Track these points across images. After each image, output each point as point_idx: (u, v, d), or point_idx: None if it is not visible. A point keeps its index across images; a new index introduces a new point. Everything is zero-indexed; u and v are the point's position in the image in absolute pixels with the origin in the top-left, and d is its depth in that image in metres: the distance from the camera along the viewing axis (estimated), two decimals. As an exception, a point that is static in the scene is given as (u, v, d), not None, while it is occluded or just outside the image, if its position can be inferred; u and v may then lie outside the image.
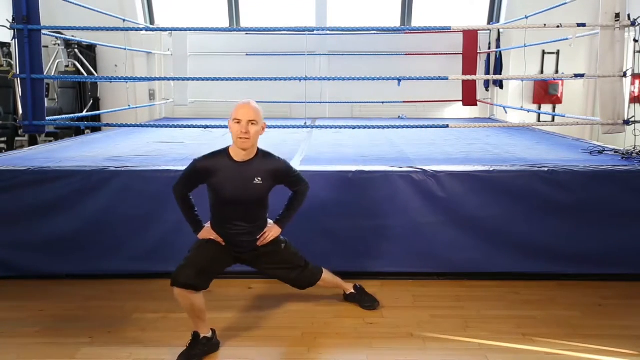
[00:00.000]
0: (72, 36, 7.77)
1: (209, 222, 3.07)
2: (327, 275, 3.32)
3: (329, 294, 3.59)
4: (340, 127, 4.97)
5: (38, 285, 3.77)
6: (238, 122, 2.76)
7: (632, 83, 6.52)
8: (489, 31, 8.21)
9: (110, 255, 3.85)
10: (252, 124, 2.76)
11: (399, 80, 4.65)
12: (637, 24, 4.33)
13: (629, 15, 4.35)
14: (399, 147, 5.10)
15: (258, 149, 2.92)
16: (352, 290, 3.45)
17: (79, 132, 7.55)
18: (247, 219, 2.97)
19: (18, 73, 4.36)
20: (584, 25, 4.67)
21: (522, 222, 3.81)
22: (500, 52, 7.99)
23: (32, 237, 3.84)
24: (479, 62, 8.18)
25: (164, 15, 8.90)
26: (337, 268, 3.71)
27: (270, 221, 3.11)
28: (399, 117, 8.22)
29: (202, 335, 2.85)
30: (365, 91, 7.79)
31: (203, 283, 2.85)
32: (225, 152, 2.90)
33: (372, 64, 8.27)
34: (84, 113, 7.64)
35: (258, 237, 3.03)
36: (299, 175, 3.10)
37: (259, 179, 2.88)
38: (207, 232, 3.01)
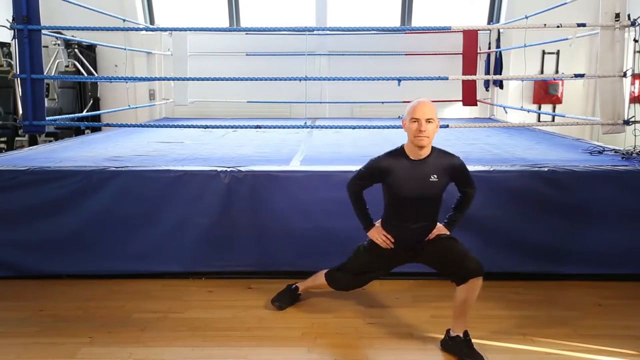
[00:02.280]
0: (72, 36, 7.77)
1: (379, 221, 3.10)
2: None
3: (329, 294, 3.58)
4: (340, 127, 4.97)
5: (38, 285, 3.77)
6: (416, 121, 2.80)
7: (632, 83, 6.51)
8: (489, 31, 8.21)
9: (110, 255, 3.85)
10: (429, 122, 2.79)
11: (399, 80, 4.65)
12: (637, 24, 4.33)
13: (629, 15, 4.35)
14: (399, 147, 5.09)
15: (432, 147, 2.94)
16: (459, 334, 2.85)
17: (79, 132, 7.54)
18: (421, 218, 2.99)
19: (18, 73, 4.36)
20: (584, 25, 4.67)
21: (522, 222, 3.81)
22: (500, 52, 7.99)
23: (32, 237, 3.84)
24: (479, 62, 8.17)
25: (164, 15, 8.90)
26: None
27: (438, 224, 3.08)
28: (399, 117, 8.14)
29: (298, 291, 3.43)
30: (365, 91, 7.79)
31: (354, 287, 3.29)
32: (401, 151, 2.94)
33: (372, 64, 8.27)
34: (84, 113, 7.64)
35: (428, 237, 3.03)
36: (470, 176, 3.07)
37: (435, 176, 2.88)
38: (377, 231, 3.05)
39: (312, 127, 5.44)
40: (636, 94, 6.91)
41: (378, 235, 3.03)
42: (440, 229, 3.05)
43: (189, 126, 5.30)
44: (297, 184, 3.83)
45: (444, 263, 2.98)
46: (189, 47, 8.08)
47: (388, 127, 4.96)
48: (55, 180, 3.83)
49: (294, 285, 3.46)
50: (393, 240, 3.02)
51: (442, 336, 2.96)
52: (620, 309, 3.45)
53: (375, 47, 8.31)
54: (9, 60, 7.30)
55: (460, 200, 3.11)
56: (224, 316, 3.29)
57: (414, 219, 2.97)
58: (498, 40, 8.09)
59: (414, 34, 8.20)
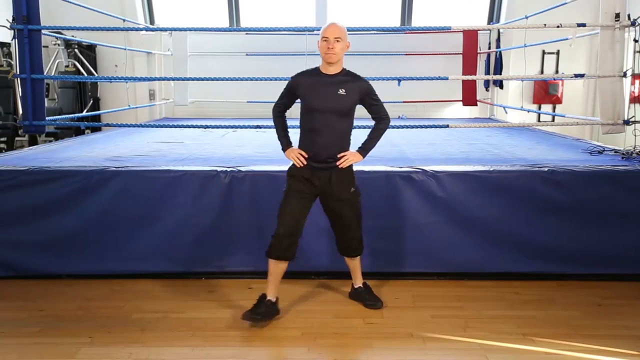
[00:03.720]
0: (72, 36, 7.77)
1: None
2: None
3: (330, 294, 3.59)
4: (340, 127, 4.95)
5: (38, 285, 3.77)
6: (326, 40, 3.06)
7: (632, 83, 6.51)
8: (489, 31, 8.21)
9: (110, 255, 3.85)
10: (338, 40, 3.06)
11: (399, 80, 4.65)
12: (637, 24, 4.34)
13: (629, 15, 4.35)
14: (399, 147, 5.10)
15: (344, 68, 3.19)
16: (360, 285, 3.50)
17: (79, 132, 7.55)
18: (332, 132, 3.15)
19: (18, 73, 4.37)
20: (584, 25, 4.67)
21: (522, 222, 3.81)
22: (500, 52, 7.99)
23: (32, 237, 3.84)
24: (479, 62, 8.17)
25: (164, 15, 8.90)
26: (336, 268, 3.72)
27: (351, 150, 3.24)
28: (399, 117, 8.22)
29: (267, 298, 3.18)
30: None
31: (292, 254, 3.18)
32: (315, 68, 3.23)
33: (372, 64, 8.26)
34: (84, 113, 7.64)
35: (339, 156, 3.16)
36: (381, 104, 3.29)
37: (343, 90, 3.12)
38: (293, 150, 3.23)
39: (312, 127, 5.42)
40: (636, 94, 6.91)
41: (293, 153, 3.21)
42: (353, 153, 3.22)
43: (189, 126, 5.30)
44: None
45: (336, 225, 3.34)
46: (189, 47, 8.09)
47: (388, 127, 4.94)
48: (55, 180, 3.83)
49: (262, 294, 3.22)
50: (307, 157, 3.16)
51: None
52: (620, 309, 3.45)
53: (375, 47, 8.31)
54: (9, 60, 7.30)
55: (373, 129, 3.34)
56: (224, 316, 3.29)
57: (323, 131, 3.14)
58: (498, 40, 8.09)
59: (414, 34, 8.20)
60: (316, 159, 3.16)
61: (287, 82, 3.31)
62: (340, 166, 3.16)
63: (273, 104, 3.41)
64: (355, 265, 3.47)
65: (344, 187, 3.23)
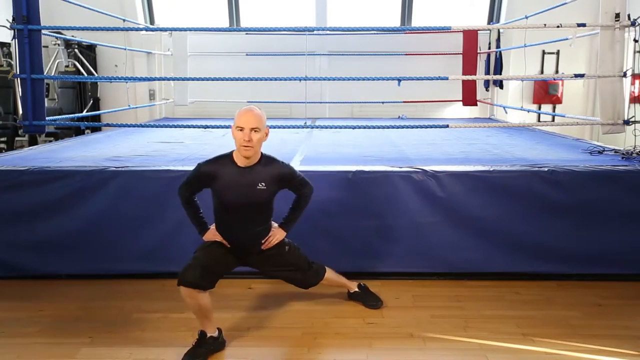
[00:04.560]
0: (72, 36, 7.77)
1: (214, 225, 3.06)
2: (330, 274, 3.35)
3: (330, 293, 3.59)
4: (340, 127, 4.97)
5: (38, 285, 3.77)
6: (241, 130, 2.76)
7: (632, 83, 6.52)
8: (489, 31, 8.21)
9: (110, 255, 3.85)
10: (255, 131, 2.76)
11: (399, 80, 4.64)
12: (637, 24, 4.33)
13: (629, 15, 4.35)
14: (399, 147, 5.10)
15: (262, 153, 2.92)
16: (356, 289, 3.48)
17: (79, 132, 7.54)
18: (250, 224, 2.97)
19: (18, 73, 4.36)
20: (584, 25, 4.67)
21: (522, 222, 3.81)
22: (500, 52, 7.99)
23: (32, 237, 3.84)
24: (479, 62, 8.17)
25: (164, 15, 8.90)
26: (337, 268, 3.71)
27: (274, 224, 3.11)
28: (399, 117, 8.22)
29: (208, 335, 2.87)
30: (365, 91, 7.79)
31: (209, 283, 2.86)
32: (229, 157, 2.90)
33: (372, 64, 8.27)
34: (84, 113, 7.64)
35: (263, 241, 3.04)
36: (303, 179, 3.08)
37: (263, 184, 2.87)
38: (213, 234, 3.01)
39: (312, 127, 5.44)
40: (636, 94, 6.91)
41: (214, 237, 2.99)
42: (276, 232, 3.06)
43: (189, 126, 5.30)
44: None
45: (282, 278, 3.23)
46: (189, 47, 8.09)
47: (388, 127, 4.96)
48: (55, 180, 3.83)
49: (199, 332, 2.91)
50: (228, 245, 2.99)
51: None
52: (620, 309, 3.45)
53: (375, 47, 8.31)
54: (9, 60, 7.30)
55: (295, 201, 3.12)
56: (224, 316, 3.29)
57: (242, 226, 2.94)
58: (498, 40, 8.09)
59: (414, 34, 8.20)
60: (238, 249, 3.01)
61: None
62: (265, 248, 3.04)
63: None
64: (332, 281, 3.37)
65: (276, 257, 3.11)
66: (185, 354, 2.79)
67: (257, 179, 2.86)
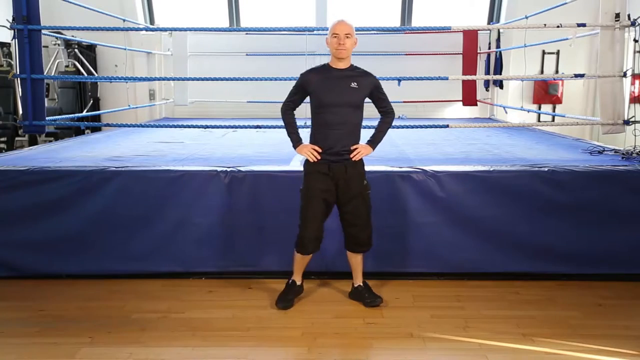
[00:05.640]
0: (72, 36, 7.77)
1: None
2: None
3: (330, 293, 3.59)
4: (340, 127, 4.95)
5: (38, 285, 3.77)
6: (336, 36, 3.17)
7: (632, 83, 6.52)
8: (489, 31, 8.21)
9: (110, 255, 3.85)
10: (347, 37, 3.18)
11: (399, 80, 4.65)
12: (637, 24, 4.34)
13: (629, 15, 4.35)
14: (399, 147, 5.10)
15: (352, 64, 3.30)
16: (360, 284, 3.52)
17: (79, 132, 7.54)
18: (344, 124, 3.24)
19: (18, 73, 4.37)
20: (584, 25, 4.67)
21: (522, 222, 3.81)
22: (500, 52, 7.99)
23: (32, 237, 3.84)
24: (479, 62, 8.17)
25: (164, 15, 8.90)
26: (337, 268, 3.73)
27: (361, 143, 3.32)
28: (399, 117, 8.21)
29: (297, 283, 3.47)
30: (365, 91, 7.78)
31: (317, 248, 3.36)
32: (325, 65, 3.32)
33: (372, 64, 8.23)
34: (84, 113, 7.64)
35: (352, 148, 3.25)
36: (387, 98, 3.41)
37: (355, 83, 3.23)
38: (305, 146, 3.31)
39: (312, 127, 5.43)
40: (636, 94, 6.91)
41: (306, 148, 3.28)
42: (364, 146, 3.31)
43: (189, 126, 5.30)
44: (297, 184, 3.82)
45: (346, 220, 3.36)
46: (189, 47, 8.08)
47: (393, 120, 4.94)
48: (55, 180, 3.83)
49: (290, 281, 3.49)
50: (320, 151, 3.23)
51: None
52: (620, 309, 3.45)
53: (375, 47, 8.29)
54: (9, 60, 7.30)
55: (380, 122, 3.46)
56: (224, 316, 3.29)
57: (336, 125, 3.23)
58: (498, 40, 8.09)
59: (414, 34, 8.20)
60: (330, 152, 3.23)
61: (293, 80, 3.35)
62: (353, 159, 3.26)
63: (277, 104, 3.44)
64: (357, 262, 3.49)
65: (358, 180, 3.32)
66: (278, 299, 3.40)
67: (350, 79, 3.24)
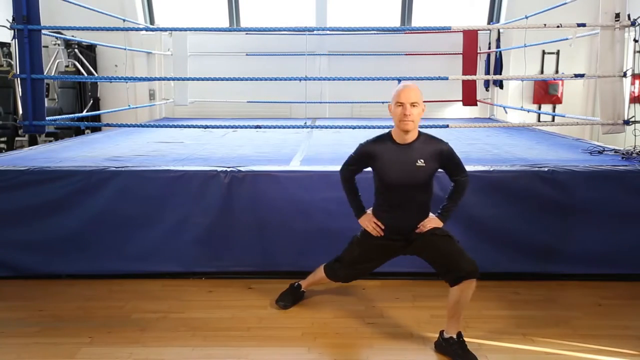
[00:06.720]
0: (72, 36, 7.77)
1: (371, 209, 3.10)
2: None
3: (329, 293, 3.59)
4: (340, 127, 4.97)
5: (38, 285, 3.77)
6: (401, 105, 2.82)
7: (632, 83, 6.52)
8: (489, 31, 8.21)
9: (110, 255, 3.85)
10: (414, 106, 2.81)
11: (399, 80, 4.63)
12: (637, 24, 4.33)
13: (629, 15, 4.35)
14: (399, 147, 5.09)
15: (419, 131, 2.96)
16: (454, 335, 2.84)
17: (79, 132, 7.55)
18: (410, 205, 2.97)
19: (18, 73, 4.36)
20: (584, 25, 4.67)
21: (522, 222, 3.81)
22: (500, 52, 7.99)
23: (32, 237, 3.84)
24: (479, 62, 8.17)
25: (164, 15, 8.90)
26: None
27: (431, 215, 3.05)
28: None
29: (302, 289, 3.45)
30: (365, 91, 7.77)
31: (350, 280, 3.33)
32: (388, 135, 2.98)
33: (372, 64, 8.27)
34: (84, 113, 7.64)
35: (419, 225, 2.97)
36: (461, 163, 3.04)
37: (422, 161, 2.88)
38: (368, 218, 3.05)
39: (312, 127, 5.44)
40: (636, 94, 6.91)
41: (368, 222, 3.03)
42: (433, 220, 3.00)
43: (189, 126, 5.30)
44: (297, 184, 3.83)
45: (438, 261, 2.93)
46: (189, 47, 8.08)
47: (388, 127, 4.92)
48: (55, 180, 3.83)
49: (296, 284, 3.47)
50: (383, 228, 3.01)
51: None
52: (620, 309, 3.45)
53: (375, 47, 8.31)
54: (9, 60, 7.30)
55: (453, 190, 3.07)
56: (224, 316, 3.29)
57: (402, 206, 2.96)
58: (498, 40, 8.09)
59: (414, 34, 8.20)
60: (394, 231, 3.01)
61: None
62: (419, 232, 2.97)
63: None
64: (460, 300, 2.78)
65: (432, 236, 2.95)
66: (279, 298, 3.40)
67: (416, 155, 2.88)
